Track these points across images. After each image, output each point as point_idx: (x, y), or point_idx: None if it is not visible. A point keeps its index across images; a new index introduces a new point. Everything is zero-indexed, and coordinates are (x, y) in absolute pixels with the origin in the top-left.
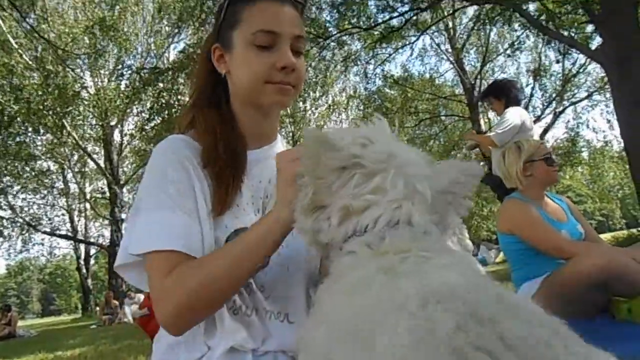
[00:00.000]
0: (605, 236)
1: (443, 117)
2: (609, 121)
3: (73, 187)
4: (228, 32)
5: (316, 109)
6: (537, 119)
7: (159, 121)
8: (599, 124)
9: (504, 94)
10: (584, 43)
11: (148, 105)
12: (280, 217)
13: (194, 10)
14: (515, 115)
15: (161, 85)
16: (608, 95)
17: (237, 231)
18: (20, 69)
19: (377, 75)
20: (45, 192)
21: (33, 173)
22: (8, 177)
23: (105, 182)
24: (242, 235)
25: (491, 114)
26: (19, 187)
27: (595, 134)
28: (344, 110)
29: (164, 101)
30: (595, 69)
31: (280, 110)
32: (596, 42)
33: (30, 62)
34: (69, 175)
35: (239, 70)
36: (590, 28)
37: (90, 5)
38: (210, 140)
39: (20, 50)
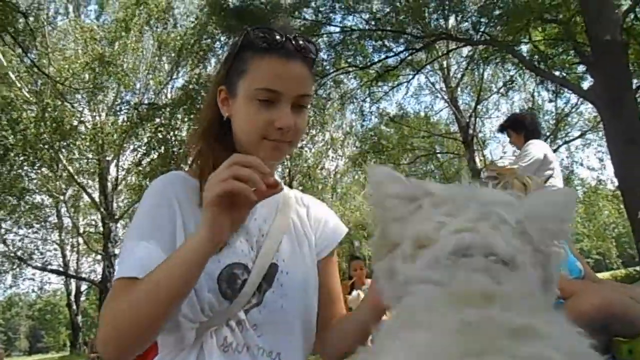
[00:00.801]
0: (604, 275)
1: (439, 155)
2: (601, 160)
3: (66, 222)
4: (234, 78)
5: (313, 145)
6: None
7: (155, 156)
8: (592, 162)
9: (523, 127)
10: (576, 83)
11: (145, 140)
12: (202, 238)
13: (192, 47)
14: (537, 148)
15: (158, 120)
16: (601, 134)
17: (230, 265)
18: (19, 103)
19: (373, 113)
20: (38, 225)
21: (27, 206)
22: (1, 211)
23: (99, 216)
24: (166, 259)
25: (487, 152)
26: (11, 220)
27: (589, 172)
28: (340, 147)
29: (161, 136)
30: (588, 109)
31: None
32: (588, 81)
33: (28, 96)
34: (63, 210)
35: (239, 120)
36: (582, 68)
37: (91, 42)
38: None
39: (20, 84)
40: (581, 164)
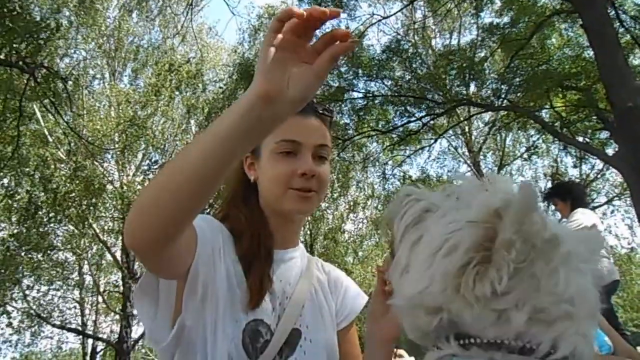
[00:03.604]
0: None
1: None
2: (630, 227)
3: (88, 279)
4: None
5: (336, 208)
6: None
7: None
8: (621, 230)
9: (570, 195)
10: (600, 148)
11: None
12: (252, 83)
13: (220, 111)
14: (585, 216)
15: None
16: (628, 200)
17: (256, 321)
18: (53, 161)
19: (395, 175)
20: (60, 283)
21: (50, 264)
22: (26, 267)
23: (120, 275)
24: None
25: None
26: (33, 278)
27: (618, 241)
28: (361, 209)
29: None
30: (612, 174)
31: (303, 218)
32: (613, 147)
33: (62, 156)
34: (85, 267)
35: (264, 176)
36: (605, 134)
37: (125, 104)
38: (248, 234)
39: (55, 143)
40: (609, 232)
